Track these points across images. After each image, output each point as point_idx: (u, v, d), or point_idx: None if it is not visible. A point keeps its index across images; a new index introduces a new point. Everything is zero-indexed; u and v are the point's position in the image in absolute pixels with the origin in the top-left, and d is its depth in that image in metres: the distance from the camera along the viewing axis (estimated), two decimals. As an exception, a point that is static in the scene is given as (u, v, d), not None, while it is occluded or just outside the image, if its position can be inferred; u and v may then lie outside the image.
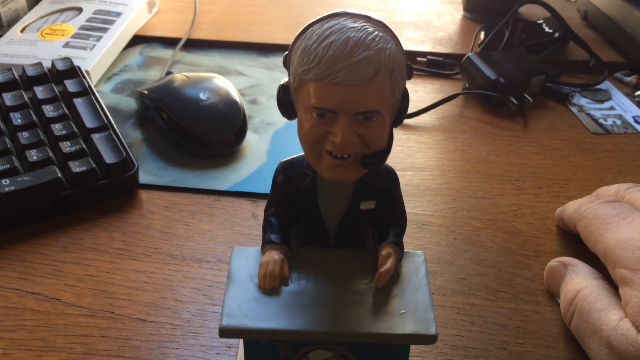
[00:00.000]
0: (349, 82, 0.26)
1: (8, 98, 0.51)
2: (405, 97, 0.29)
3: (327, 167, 0.29)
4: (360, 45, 0.26)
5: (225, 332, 0.28)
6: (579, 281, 0.37)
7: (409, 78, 0.29)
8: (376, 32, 0.27)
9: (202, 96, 0.53)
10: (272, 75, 0.65)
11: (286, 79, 0.30)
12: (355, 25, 0.27)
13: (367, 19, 0.28)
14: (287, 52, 0.29)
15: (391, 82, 0.27)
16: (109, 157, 0.47)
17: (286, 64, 0.29)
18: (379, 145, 0.29)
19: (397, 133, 0.57)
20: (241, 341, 0.34)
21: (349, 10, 0.28)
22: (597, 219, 0.38)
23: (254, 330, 0.28)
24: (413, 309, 0.29)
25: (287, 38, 0.71)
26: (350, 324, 0.28)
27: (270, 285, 0.30)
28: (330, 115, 0.27)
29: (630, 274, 0.34)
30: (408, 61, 0.29)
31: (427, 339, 0.28)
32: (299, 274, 0.31)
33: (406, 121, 0.58)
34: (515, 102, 0.59)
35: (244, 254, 0.32)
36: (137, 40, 0.70)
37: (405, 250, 0.32)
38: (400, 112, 0.29)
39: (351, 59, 0.26)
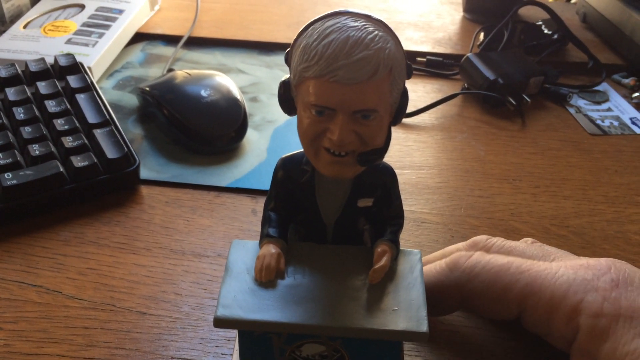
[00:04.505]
0: (347, 81, 0.27)
1: (11, 93, 0.51)
2: (404, 96, 0.30)
3: (324, 164, 0.29)
4: (359, 45, 0.27)
5: (220, 322, 0.29)
6: None
7: (409, 77, 0.29)
8: (376, 32, 0.27)
9: (203, 93, 0.53)
10: (272, 73, 0.66)
11: (287, 76, 0.30)
12: (356, 24, 0.27)
13: (368, 18, 0.28)
14: (288, 49, 0.30)
15: (390, 81, 0.28)
16: (110, 153, 0.47)
17: (287, 60, 0.30)
18: (377, 144, 0.29)
19: (396, 132, 0.57)
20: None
21: (350, 9, 0.28)
22: (506, 268, 0.32)
23: (248, 322, 0.29)
24: (406, 306, 0.29)
25: (288, 37, 0.71)
26: (343, 318, 0.29)
27: (266, 278, 0.30)
28: (328, 112, 0.28)
29: (607, 322, 0.28)
30: (408, 61, 0.29)
31: (418, 337, 0.28)
32: (295, 268, 0.31)
33: (405, 120, 0.59)
34: (513, 102, 0.60)
35: (242, 247, 0.32)
36: (139, 37, 0.71)
37: (401, 248, 0.32)
38: (398, 111, 0.30)
39: (350, 57, 0.26)
